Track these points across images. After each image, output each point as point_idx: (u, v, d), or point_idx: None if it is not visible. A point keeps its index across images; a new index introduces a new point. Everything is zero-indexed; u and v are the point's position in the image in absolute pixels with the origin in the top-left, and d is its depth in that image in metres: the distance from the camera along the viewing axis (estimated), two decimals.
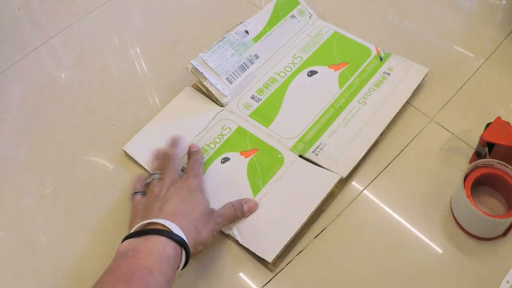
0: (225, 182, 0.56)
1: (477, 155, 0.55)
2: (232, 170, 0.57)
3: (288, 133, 0.59)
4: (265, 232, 0.52)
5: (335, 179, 0.54)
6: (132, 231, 0.45)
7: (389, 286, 0.48)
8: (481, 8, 0.73)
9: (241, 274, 0.50)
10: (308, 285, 0.49)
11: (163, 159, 0.56)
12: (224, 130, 0.60)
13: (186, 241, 0.44)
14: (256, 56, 0.67)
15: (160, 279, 0.41)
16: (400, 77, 0.63)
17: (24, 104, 0.69)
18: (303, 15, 0.71)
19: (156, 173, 0.54)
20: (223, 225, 0.51)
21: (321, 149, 0.57)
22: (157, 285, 0.41)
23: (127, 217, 0.54)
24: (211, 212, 0.50)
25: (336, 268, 0.50)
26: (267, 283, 0.50)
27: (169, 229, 0.44)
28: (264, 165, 0.57)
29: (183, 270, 0.45)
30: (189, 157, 0.57)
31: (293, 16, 0.70)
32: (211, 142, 0.59)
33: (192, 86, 0.65)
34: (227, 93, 0.63)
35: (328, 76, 0.64)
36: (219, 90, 0.63)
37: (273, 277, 0.50)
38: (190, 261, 0.46)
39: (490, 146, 0.52)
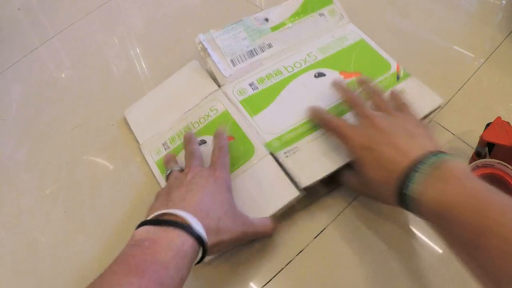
0: None
1: (477, 155, 0.55)
2: (204, 156, 0.54)
3: (269, 128, 0.56)
4: None
5: (293, 195, 0.51)
6: (149, 217, 0.42)
7: (389, 286, 0.48)
8: (481, 8, 0.73)
9: (241, 274, 0.50)
10: (308, 285, 0.49)
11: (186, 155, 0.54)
12: (212, 111, 0.59)
13: (206, 241, 0.42)
14: (269, 46, 0.64)
15: (174, 276, 0.39)
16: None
17: (24, 104, 0.69)
18: (334, 16, 0.67)
19: (177, 166, 0.52)
20: (249, 237, 0.48)
21: (294, 152, 0.53)
22: (171, 283, 0.38)
23: (127, 217, 0.55)
24: (239, 215, 0.47)
25: (336, 268, 0.50)
26: (267, 283, 0.50)
27: (190, 223, 0.41)
28: (235, 155, 0.54)
29: None
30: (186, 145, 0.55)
31: (322, 14, 0.67)
32: (195, 122, 0.58)
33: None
34: (227, 74, 0.61)
35: None
36: (220, 70, 0.61)
37: (273, 277, 0.50)
38: None
39: (490, 146, 0.52)
